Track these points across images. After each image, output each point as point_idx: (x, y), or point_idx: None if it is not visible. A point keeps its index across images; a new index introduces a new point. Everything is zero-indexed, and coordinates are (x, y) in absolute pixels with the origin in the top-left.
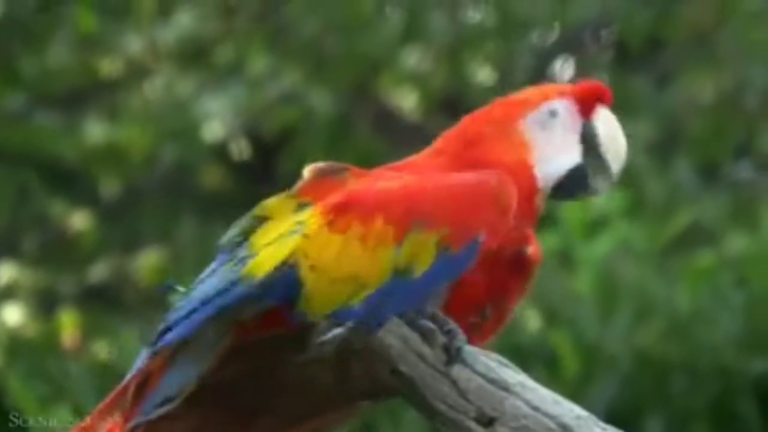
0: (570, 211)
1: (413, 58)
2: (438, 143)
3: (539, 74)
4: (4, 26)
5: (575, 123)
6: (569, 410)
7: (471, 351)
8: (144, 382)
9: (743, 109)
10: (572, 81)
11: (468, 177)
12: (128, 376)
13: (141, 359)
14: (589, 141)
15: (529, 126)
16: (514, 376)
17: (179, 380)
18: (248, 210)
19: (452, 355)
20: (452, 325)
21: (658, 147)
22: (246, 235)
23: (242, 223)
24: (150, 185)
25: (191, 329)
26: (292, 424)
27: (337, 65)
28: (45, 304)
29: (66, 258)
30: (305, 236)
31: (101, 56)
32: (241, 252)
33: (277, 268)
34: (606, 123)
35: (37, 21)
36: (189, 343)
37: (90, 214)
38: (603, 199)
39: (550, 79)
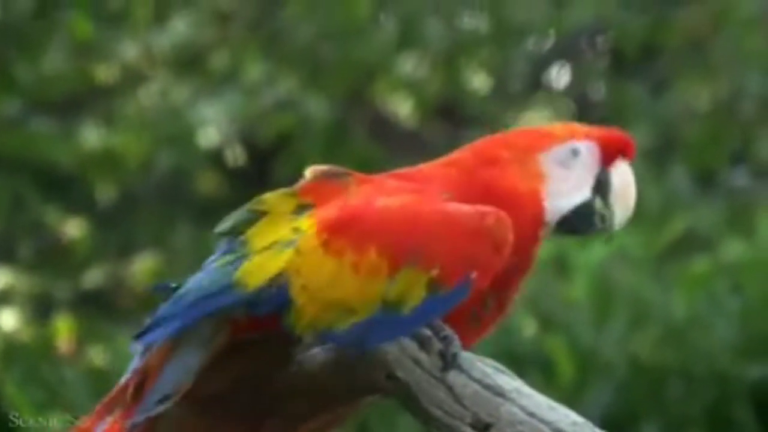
0: None
1: (409, 64)
2: (454, 153)
3: (535, 81)
4: (0, 32)
5: (594, 167)
6: (565, 416)
7: (467, 357)
8: (142, 381)
9: (739, 116)
10: (573, 91)
11: (466, 211)
12: (126, 376)
13: (136, 359)
14: (602, 188)
15: (549, 160)
16: (509, 382)
17: (177, 377)
18: None
19: (448, 361)
20: (448, 331)
21: (654, 154)
22: (244, 227)
23: (240, 214)
24: (145, 191)
25: (182, 327)
26: (299, 423)
27: (333, 72)
28: (40, 309)
29: (61, 263)
30: (299, 252)
31: (97, 62)
32: (238, 246)
33: (269, 281)
34: (622, 175)
35: (33, 27)
36: (184, 340)
37: (85, 220)
38: None
39: (546, 85)
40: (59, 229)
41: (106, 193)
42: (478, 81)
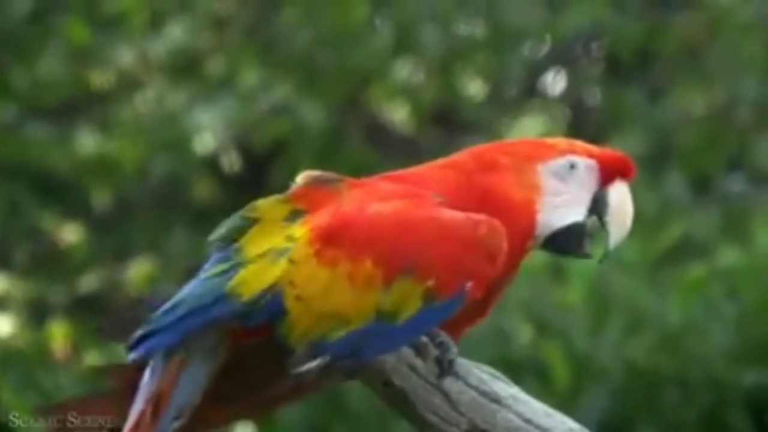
0: None
1: (405, 70)
2: (454, 156)
3: (530, 87)
4: None
5: (591, 185)
6: (561, 422)
7: (463, 364)
8: (157, 403)
9: (735, 122)
10: (569, 97)
11: (460, 220)
12: (140, 400)
13: (147, 377)
14: (598, 207)
15: (546, 171)
16: (506, 388)
17: (187, 393)
18: None
19: (444, 368)
20: (444, 337)
21: (650, 160)
22: (237, 234)
23: (233, 221)
24: (141, 197)
25: (176, 338)
26: (280, 401)
27: (329, 78)
28: (36, 314)
29: (57, 269)
30: (293, 262)
31: (93, 68)
32: (232, 254)
33: (263, 292)
34: (620, 196)
35: (29, 32)
36: (190, 355)
37: (81, 225)
38: None
39: (542, 92)
40: (55, 235)
41: (101, 198)
42: (474, 87)
